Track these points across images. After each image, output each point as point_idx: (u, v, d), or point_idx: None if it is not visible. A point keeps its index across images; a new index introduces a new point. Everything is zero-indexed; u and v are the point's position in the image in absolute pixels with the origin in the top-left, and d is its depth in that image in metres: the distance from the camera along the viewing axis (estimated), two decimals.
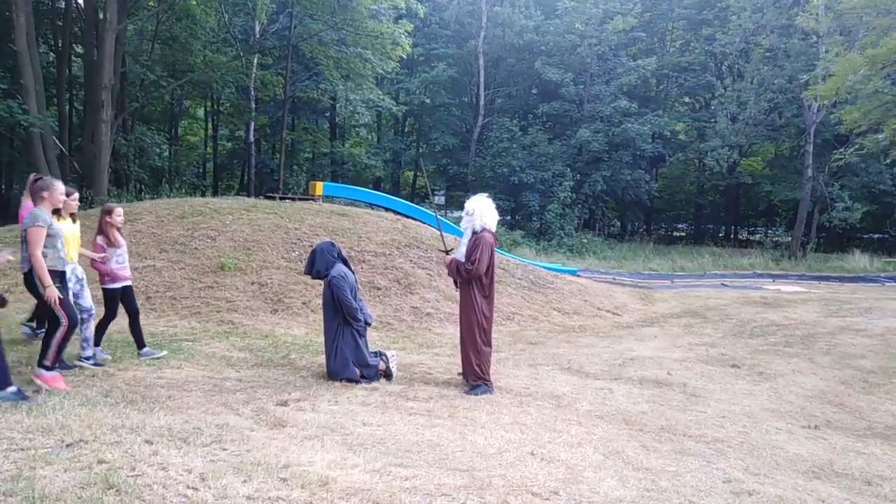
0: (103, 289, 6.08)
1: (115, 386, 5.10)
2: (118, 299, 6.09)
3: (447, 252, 6.14)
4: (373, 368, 5.76)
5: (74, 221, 5.82)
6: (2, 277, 8.62)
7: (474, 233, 5.79)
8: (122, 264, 6.06)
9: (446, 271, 6.09)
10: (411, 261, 10.67)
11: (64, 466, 3.27)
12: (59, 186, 5.07)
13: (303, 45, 22.81)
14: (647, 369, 6.93)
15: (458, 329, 5.97)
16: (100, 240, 5.99)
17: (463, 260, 5.76)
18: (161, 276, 9.09)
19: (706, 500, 3.58)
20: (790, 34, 24.18)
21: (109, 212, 6.05)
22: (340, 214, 12.32)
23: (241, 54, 23.59)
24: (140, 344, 6.21)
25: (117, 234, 6.06)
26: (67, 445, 3.59)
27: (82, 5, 20.89)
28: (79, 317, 5.40)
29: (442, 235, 6.90)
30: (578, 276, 15.93)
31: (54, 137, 17.46)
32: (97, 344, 6.04)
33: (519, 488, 3.51)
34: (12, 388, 4.42)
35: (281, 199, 14.37)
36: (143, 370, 5.66)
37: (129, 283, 6.18)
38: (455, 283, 6.07)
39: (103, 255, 5.94)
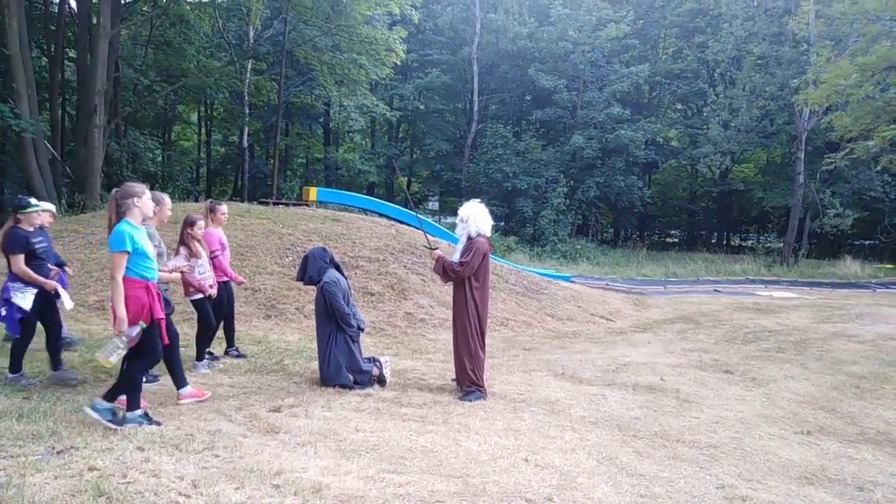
0: (192, 301, 6.11)
1: None
2: (208, 308, 6.12)
3: (432, 249, 6.13)
4: (366, 374, 5.74)
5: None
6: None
7: (469, 238, 5.80)
8: (203, 275, 6.07)
9: (432, 265, 6.07)
10: (405, 266, 10.66)
11: (54, 473, 3.25)
12: (168, 201, 5.14)
13: (297, 51, 22.82)
14: (641, 375, 6.94)
15: (452, 335, 5.97)
16: (183, 251, 5.98)
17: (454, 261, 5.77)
18: None
19: None
20: (781, 42, 24.38)
21: (192, 224, 6.03)
22: (334, 220, 12.31)
23: (235, 59, 23.59)
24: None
25: (198, 246, 6.05)
26: (58, 452, 3.57)
27: (76, 10, 20.84)
28: None
29: (425, 234, 6.91)
30: (572, 281, 15.96)
31: (46, 142, 17.38)
32: (215, 358, 6.31)
33: (513, 494, 3.51)
34: (139, 411, 4.30)
35: (274, 204, 14.35)
36: None
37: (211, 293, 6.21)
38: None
39: (187, 265, 5.93)
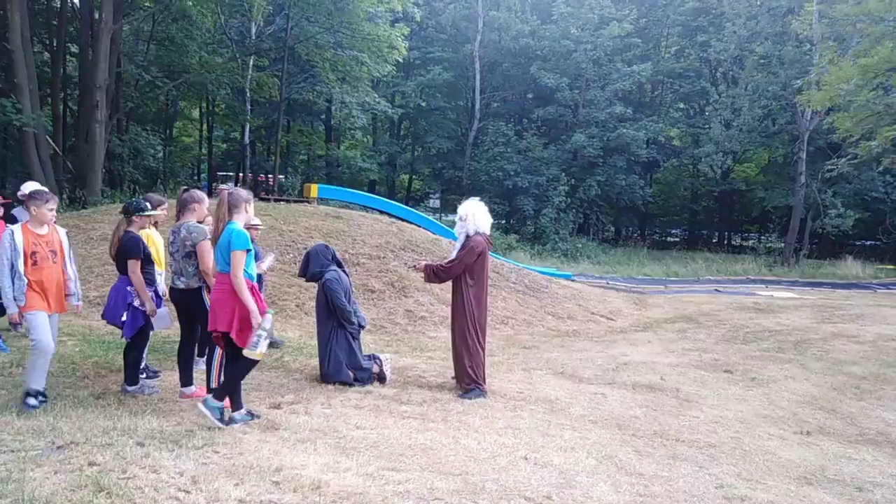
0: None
1: (106, 388, 5.08)
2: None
3: (415, 267, 6.27)
4: (366, 371, 5.75)
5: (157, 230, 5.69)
6: None
7: (467, 237, 5.80)
8: None
9: (424, 277, 6.13)
10: (406, 264, 10.66)
11: (54, 468, 3.25)
12: (206, 198, 5.20)
13: (299, 48, 22.78)
14: (641, 374, 6.95)
15: (451, 333, 5.98)
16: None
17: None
18: None
19: None
20: (784, 41, 24.33)
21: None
22: (335, 217, 12.31)
23: (237, 56, 23.56)
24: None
25: None
26: (58, 447, 3.57)
27: (78, 5, 20.82)
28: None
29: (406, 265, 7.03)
30: (573, 280, 15.95)
31: (48, 137, 17.37)
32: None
33: (512, 493, 3.51)
34: (243, 410, 4.39)
35: (276, 200, 14.35)
36: None
37: None
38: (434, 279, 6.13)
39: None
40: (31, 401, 4.36)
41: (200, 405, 4.25)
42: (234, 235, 4.21)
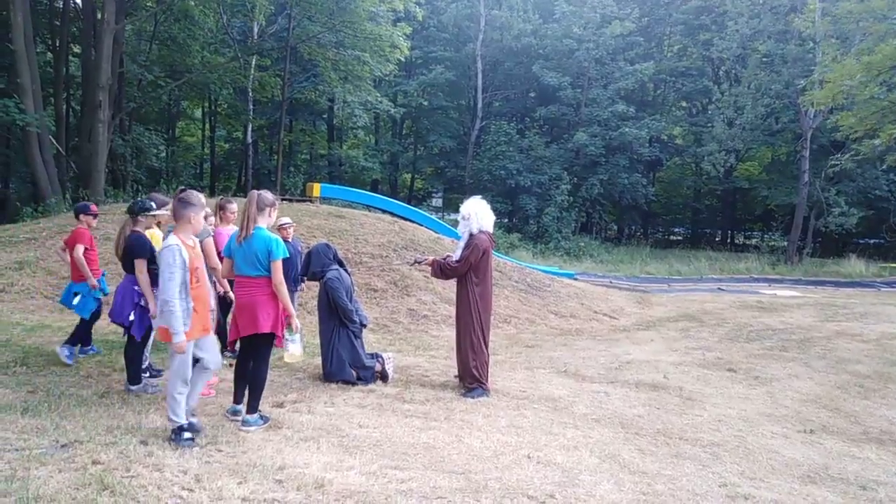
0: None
1: (110, 387, 5.09)
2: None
3: (420, 262, 6.31)
4: (369, 370, 5.75)
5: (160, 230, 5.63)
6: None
7: (471, 235, 5.80)
8: None
9: (430, 271, 6.13)
10: (407, 261, 10.67)
11: (58, 467, 3.26)
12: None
13: (301, 47, 22.81)
14: (644, 373, 6.94)
15: (455, 331, 5.98)
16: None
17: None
18: None
19: None
20: (787, 40, 24.29)
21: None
22: (337, 216, 12.32)
23: (239, 55, 23.57)
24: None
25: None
26: (62, 446, 3.58)
27: (80, 5, 20.84)
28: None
29: (411, 261, 7.11)
30: (575, 279, 15.94)
31: (51, 137, 17.40)
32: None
33: (515, 491, 3.51)
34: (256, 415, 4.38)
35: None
36: None
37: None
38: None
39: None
40: (194, 419, 4.06)
41: (242, 429, 4.21)
42: (274, 244, 4.24)
